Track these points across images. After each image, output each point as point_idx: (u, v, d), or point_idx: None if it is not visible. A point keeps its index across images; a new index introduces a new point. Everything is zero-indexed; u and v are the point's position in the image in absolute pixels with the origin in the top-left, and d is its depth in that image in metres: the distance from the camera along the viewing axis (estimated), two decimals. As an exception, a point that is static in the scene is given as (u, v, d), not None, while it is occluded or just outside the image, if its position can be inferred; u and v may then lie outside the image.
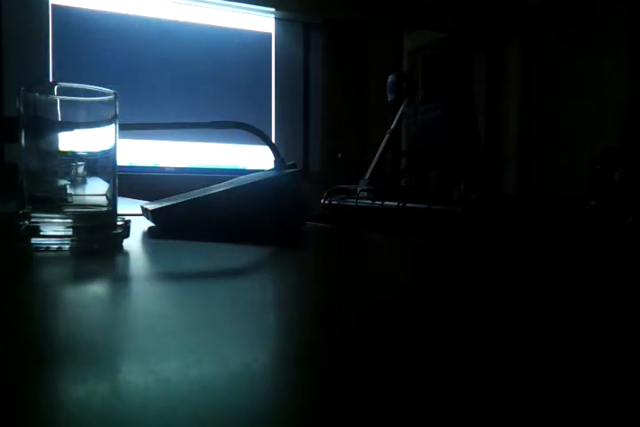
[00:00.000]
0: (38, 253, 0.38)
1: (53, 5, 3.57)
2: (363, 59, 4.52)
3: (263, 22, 4.22)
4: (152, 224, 0.58)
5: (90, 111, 0.42)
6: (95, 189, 0.42)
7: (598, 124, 3.59)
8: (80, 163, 0.41)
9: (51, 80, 3.28)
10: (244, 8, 4.03)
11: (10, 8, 3.42)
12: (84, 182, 0.41)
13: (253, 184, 0.59)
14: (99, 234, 0.41)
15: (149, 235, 0.52)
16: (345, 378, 0.15)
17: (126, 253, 0.40)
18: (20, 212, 0.40)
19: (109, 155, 0.43)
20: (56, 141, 0.41)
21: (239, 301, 0.26)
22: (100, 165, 0.42)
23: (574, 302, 0.27)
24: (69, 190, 0.41)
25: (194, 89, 3.98)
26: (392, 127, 2.37)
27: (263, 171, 0.68)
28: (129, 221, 0.44)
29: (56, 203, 0.41)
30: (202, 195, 0.58)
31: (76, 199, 0.41)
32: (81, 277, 0.32)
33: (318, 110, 4.41)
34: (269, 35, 4.26)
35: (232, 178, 0.66)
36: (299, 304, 0.25)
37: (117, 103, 0.43)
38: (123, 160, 3.25)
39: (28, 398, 0.13)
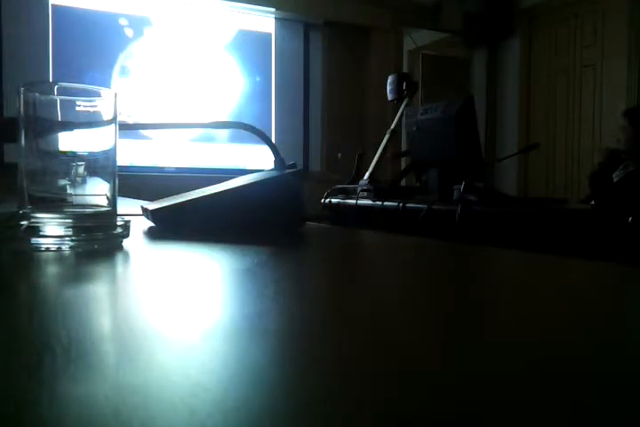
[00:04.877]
0: (38, 253, 0.38)
1: (53, 5, 3.57)
2: (363, 59, 4.52)
3: (263, 22, 4.22)
4: (152, 224, 0.58)
5: (90, 111, 0.42)
6: (95, 189, 0.42)
7: (598, 125, 3.59)
8: (80, 163, 0.41)
9: (51, 80, 3.28)
10: (244, 8, 4.03)
11: (10, 8, 3.42)
12: (83, 182, 0.41)
13: (253, 184, 0.59)
14: (99, 234, 0.41)
15: (149, 235, 0.52)
16: (351, 379, 0.15)
17: (126, 254, 0.40)
18: (20, 212, 0.40)
19: (109, 155, 0.43)
20: (56, 141, 0.41)
21: (241, 301, 0.26)
22: (100, 165, 0.42)
23: (574, 302, 0.27)
24: (69, 190, 0.41)
25: (194, 89, 3.98)
26: (392, 127, 2.37)
27: (263, 171, 0.68)
28: (129, 221, 0.44)
29: (56, 203, 0.41)
30: (202, 195, 0.58)
31: (76, 199, 0.41)
32: (81, 277, 0.32)
33: (318, 110, 4.40)
34: (269, 35, 4.25)
35: (232, 178, 0.66)
36: (301, 305, 0.25)
37: (117, 103, 0.43)
38: (123, 160, 3.25)
39: (28, 399, 0.13)
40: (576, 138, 3.74)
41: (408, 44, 4.61)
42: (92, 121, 0.42)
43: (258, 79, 4.21)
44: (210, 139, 3.99)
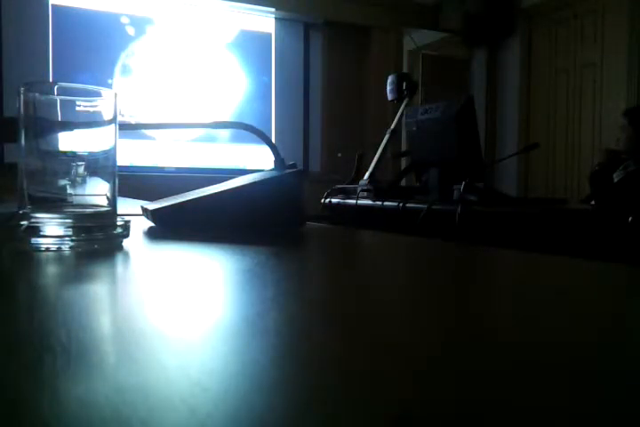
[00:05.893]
0: (38, 253, 0.38)
1: (53, 5, 3.57)
2: (363, 59, 4.52)
3: (263, 22, 4.21)
4: (152, 224, 0.58)
5: (90, 111, 0.42)
6: (95, 189, 0.42)
7: (598, 125, 3.59)
8: (80, 163, 0.41)
9: (51, 80, 3.28)
10: (244, 8, 4.02)
11: (10, 8, 3.42)
12: (83, 182, 0.41)
13: (253, 184, 0.59)
14: (99, 234, 0.41)
15: (149, 235, 0.52)
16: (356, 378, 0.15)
17: (126, 254, 0.40)
18: (20, 212, 0.40)
19: (109, 155, 0.43)
20: (56, 141, 0.41)
21: (241, 301, 0.26)
22: (100, 165, 0.42)
23: (574, 302, 0.27)
24: (69, 190, 0.41)
25: (194, 89, 3.98)
26: (392, 127, 2.37)
27: (263, 171, 0.68)
28: (129, 221, 0.44)
29: (56, 203, 0.41)
30: (202, 195, 0.58)
31: (76, 199, 0.41)
32: (81, 277, 0.32)
33: (318, 110, 4.40)
34: (269, 35, 4.25)
35: (232, 178, 0.66)
36: (301, 305, 0.25)
37: (117, 103, 0.43)
38: (123, 160, 3.25)
39: (28, 399, 0.13)
40: (576, 138, 3.74)
41: (408, 44, 4.61)
42: (91, 121, 0.42)
43: (258, 79, 4.21)
44: (210, 139, 3.99)
